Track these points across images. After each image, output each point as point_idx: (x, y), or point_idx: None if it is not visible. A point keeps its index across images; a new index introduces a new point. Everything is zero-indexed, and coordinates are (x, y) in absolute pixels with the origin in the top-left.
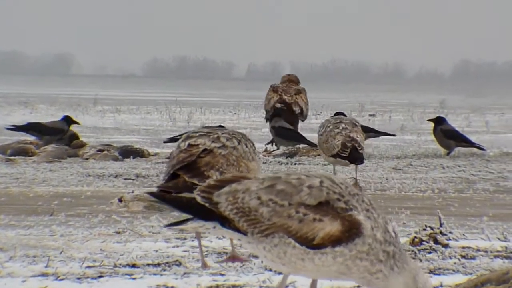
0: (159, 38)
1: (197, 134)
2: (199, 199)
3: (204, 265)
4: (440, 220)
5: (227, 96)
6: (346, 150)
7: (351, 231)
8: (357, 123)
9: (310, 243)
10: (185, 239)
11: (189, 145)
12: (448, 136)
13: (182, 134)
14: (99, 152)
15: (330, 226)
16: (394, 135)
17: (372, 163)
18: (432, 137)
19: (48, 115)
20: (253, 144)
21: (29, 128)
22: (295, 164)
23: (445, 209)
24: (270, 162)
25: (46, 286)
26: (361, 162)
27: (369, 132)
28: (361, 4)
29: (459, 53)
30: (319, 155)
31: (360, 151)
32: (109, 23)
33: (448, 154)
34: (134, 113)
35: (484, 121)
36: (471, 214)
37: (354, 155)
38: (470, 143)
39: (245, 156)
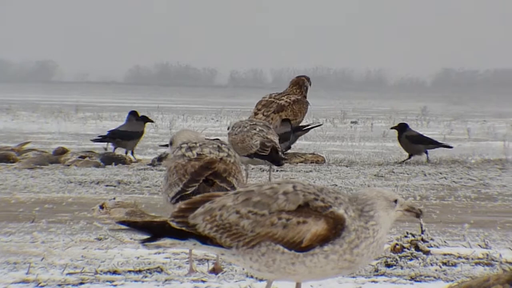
0: (141, 45)
1: (197, 144)
2: (174, 224)
3: (191, 270)
4: (421, 227)
5: (209, 103)
6: (266, 149)
7: (336, 228)
8: (271, 127)
9: (298, 246)
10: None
11: (198, 154)
12: (415, 141)
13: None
14: (81, 158)
15: (315, 226)
16: (451, 147)
17: (354, 170)
18: (398, 144)
19: (30, 122)
20: None
21: (114, 136)
22: (277, 171)
23: (427, 216)
24: (252, 169)
25: None
26: (280, 164)
27: (429, 143)
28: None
29: (440, 61)
30: (301, 162)
31: (280, 153)
32: (91, 30)
33: (427, 157)
34: (116, 120)
35: (465, 128)
36: (452, 221)
37: (274, 156)
38: (437, 144)
39: (239, 162)
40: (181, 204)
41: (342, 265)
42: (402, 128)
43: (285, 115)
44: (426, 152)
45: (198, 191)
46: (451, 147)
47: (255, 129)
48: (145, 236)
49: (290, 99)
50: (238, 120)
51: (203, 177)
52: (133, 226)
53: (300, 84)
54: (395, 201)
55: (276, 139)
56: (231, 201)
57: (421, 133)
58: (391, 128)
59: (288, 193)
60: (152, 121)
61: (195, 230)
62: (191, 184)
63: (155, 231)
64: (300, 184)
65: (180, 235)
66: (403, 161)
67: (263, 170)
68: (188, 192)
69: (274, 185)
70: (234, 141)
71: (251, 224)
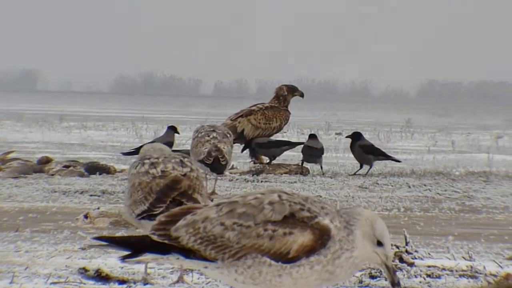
0: (126, 55)
1: (160, 160)
2: (155, 237)
3: (181, 279)
4: (405, 239)
5: (194, 113)
6: (210, 158)
7: (323, 238)
8: (229, 135)
9: (285, 258)
10: None
11: (162, 171)
12: (367, 151)
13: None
14: (65, 168)
15: (302, 237)
16: (399, 161)
17: (338, 181)
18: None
19: (14, 131)
20: None
21: None
22: (262, 181)
23: (411, 228)
24: (237, 179)
25: None
26: (221, 173)
27: (379, 155)
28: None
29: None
30: (286, 173)
31: (223, 163)
32: (76, 39)
33: (368, 169)
34: (101, 130)
35: (450, 140)
36: (436, 233)
37: (215, 165)
38: (386, 156)
39: (201, 175)
40: (160, 217)
41: (323, 276)
42: (356, 137)
43: (254, 118)
44: (372, 165)
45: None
46: (399, 161)
47: (208, 136)
48: (125, 252)
49: (263, 105)
50: (201, 125)
51: (170, 197)
52: (112, 241)
53: (278, 94)
54: (379, 243)
55: (225, 148)
56: (215, 213)
57: (372, 143)
58: (346, 136)
59: (274, 203)
60: (177, 132)
61: (178, 243)
62: (158, 204)
63: (135, 246)
64: (285, 194)
65: (162, 249)
66: (355, 173)
67: (248, 181)
68: (155, 212)
69: (259, 195)
70: (191, 145)
71: (237, 236)
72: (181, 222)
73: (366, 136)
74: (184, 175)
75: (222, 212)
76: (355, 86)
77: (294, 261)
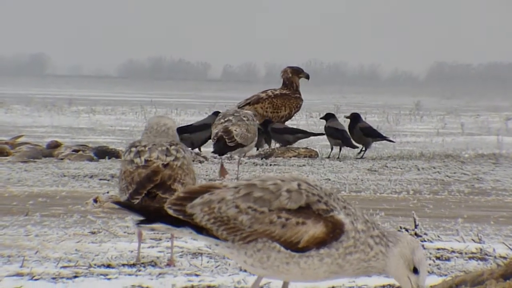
0: (135, 39)
1: (146, 148)
2: (171, 212)
3: (171, 262)
4: (415, 222)
5: (202, 97)
6: (215, 138)
7: (335, 232)
8: (245, 118)
9: (295, 247)
10: (160, 239)
11: (146, 160)
12: (366, 134)
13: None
14: (74, 152)
15: (314, 229)
16: (393, 141)
17: (347, 164)
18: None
19: (24, 116)
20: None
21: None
22: (270, 165)
23: (420, 210)
24: (245, 163)
25: (21, 286)
26: (220, 153)
27: (376, 137)
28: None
29: (434, 55)
30: (295, 156)
31: (230, 144)
32: (84, 24)
33: (364, 152)
34: (109, 114)
35: (459, 123)
36: (446, 216)
37: (217, 145)
38: (382, 137)
39: (191, 162)
40: (179, 192)
41: (333, 269)
42: (355, 119)
43: (261, 107)
44: (369, 146)
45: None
46: (393, 141)
47: (224, 118)
48: (141, 218)
49: (273, 93)
50: (226, 110)
51: (145, 189)
52: (129, 207)
53: (285, 79)
54: (415, 270)
55: (237, 130)
56: (231, 195)
57: (370, 125)
58: (345, 117)
59: (292, 191)
60: None
61: (191, 219)
62: (135, 196)
63: (151, 215)
64: (305, 184)
65: (176, 222)
66: (360, 154)
67: (256, 164)
68: (134, 203)
69: (278, 181)
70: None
71: (250, 220)
72: (198, 200)
73: (375, 118)
74: (167, 164)
75: (238, 194)
76: (364, 70)
77: (303, 251)
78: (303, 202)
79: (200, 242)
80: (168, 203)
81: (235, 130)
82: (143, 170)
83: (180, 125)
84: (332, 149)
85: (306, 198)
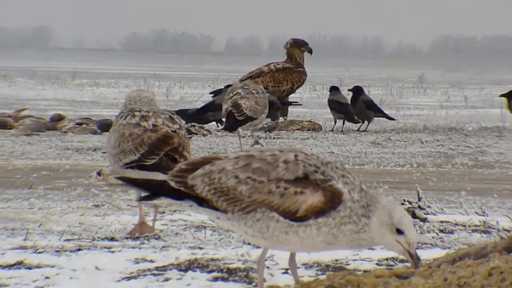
0: (138, 12)
1: (150, 114)
2: (173, 184)
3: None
4: (418, 195)
5: (206, 70)
6: (225, 114)
7: (333, 201)
8: (255, 91)
9: (293, 216)
10: (163, 213)
11: (154, 125)
12: (368, 107)
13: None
14: (77, 125)
15: (312, 198)
16: (394, 119)
17: (351, 137)
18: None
19: (27, 89)
20: None
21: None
22: (274, 138)
23: (424, 183)
24: (249, 136)
25: (24, 259)
26: (231, 129)
27: (378, 112)
28: None
29: (437, 28)
30: (298, 129)
31: (239, 118)
32: None
33: (367, 125)
34: (113, 87)
35: (463, 96)
36: (449, 189)
37: (227, 121)
38: (383, 114)
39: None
40: (181, 164)
41: (328, 239)
42: (358, 92)
43: (262, 81)
44: (371, 120)
45: (160, 165)
46: (394, 119)
47: (233, 93)
48: (143, 194)
49: (275, 67)
50: (234, 84)
51: (163, 151)
52: (132, 182)
53: (288, 53)
54: (399, 231)
55: (246, 104)
56: (231, 165)
57: (372, 99)
58: (348, 90)
59: (289, 162)
60: None
61: (193, 191)
62: (150, 156)
63: (153, 189)
64: (302, 154)
65: (178, 196)
66: (363, 127)
67: (260, 138)
68: (147, 163)
69: (276, 152)
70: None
71: (249, 190)
72: (199, 171)
73: (378, 92)
74: (174, 131)
75: (238, 165)
76: (368, 42)
77: (302, 220)
78: (300, 173)
79: (204, 216)
80: (170, 175)
81: (244, 104)
82: (153, 134)
83: (202, 104)
84: (335, 122)
85: (303, 169)
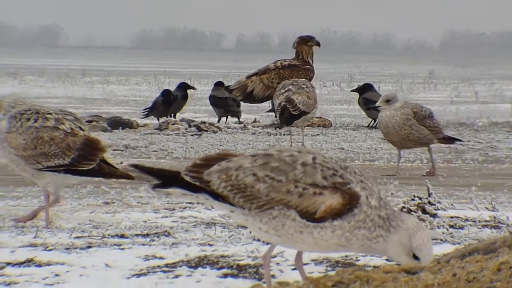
0: (148, 9)
1: (59, 116)
2: (188, 178)
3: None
4: (428, 190)
5: (216, 67)
6: (279, 109)
7: (351, 204)
8: (305, 86)
9: (311, 217)
10: (173, 209)
11: (71, 128)
12: (367, 105)
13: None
14: (87, 123)
15: (331, 199)
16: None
17: (361, 133)
18: (356, 105)
19: (37, 87)
20: None
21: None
22: (284, 134)
23: (434, 179)
24: (259, 133)
25: (34, 257)
26: (287, 123)
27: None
28: None
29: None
30: (308, 125)
31: (294, 113)
32: None
33: (375, 124)
34: (123, 84)
35: (473, 91)
36: (459, 184)
37: (282, 116)
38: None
39: None
40: (196, 159)
41: (342, 242)
42: (362, 90)
43: (267, 78)
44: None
45: (98, 170)
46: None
47: (284, 88)
48: (157, 182)
49: (281, 64)
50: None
51: (98, 158)
52: (146, 170)
53: (297, 51)
54: (415, 257)
55: (299, 99)
56: (249, 163)
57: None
58: (351, 90)
59: (307, 165)
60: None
61: (208, 186)
62: (84, 161)
63: (167, 179)
64: (320, 157)
65: (192, 188)
66: (371, 126)
67: (270, 134)
68: (81, 168)
69: (295, 153)
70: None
71: (267, 188)
72: (215, 167)
73: (389, 88)
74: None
75: (256, 163)
76: (378, 39)
77: (318, 221)
78: (318, 177)
79: (214, 212)
80: (185, 170)
81: (297, 99)
82: (75, 138)
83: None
84: (219, 119)
85: (321, 173)
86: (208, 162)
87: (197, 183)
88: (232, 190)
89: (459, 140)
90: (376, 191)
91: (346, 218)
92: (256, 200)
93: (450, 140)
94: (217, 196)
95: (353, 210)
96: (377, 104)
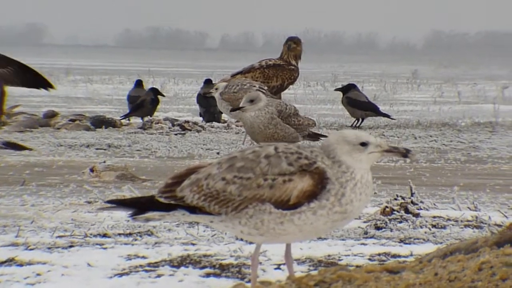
0: (132, 9)
1: None
2: (162, 200)
3: None
4: (411, 190)
5: (200, 67)
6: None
7: (322, 182)
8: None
9: (286, 205)
10: None
11: None
12: (351, 104)
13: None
14: (71, 122)
15: (301, 183)
16: (394, 119)
17: None
18: (340, 105)
19: None
20: None
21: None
22: None
23: (417, 179)
24: (243, 132)
25: (16, 256)
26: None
27: (369, 110)
28: None
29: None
30: None
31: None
32: None
33: (359, 123)
34: (107, 83)
35: (456, 91)
36: (442, 184)
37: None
38: (376, 112)
39: None
40: (167, 179)
41: (334, 218)
42: (345, 90)
43: (251, 76)
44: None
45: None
46: (394, 119)
47: (255, 86)
48: (133, 210)
49: (266, 63)
50: (228, 81)
51: None
52: (122, 204)
53: (283, 50)
54: (363, 144)
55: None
56: (216, 169)
57: (363, 99)
58: (335, 89)
59: (270, 157)
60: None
61: (183, 202)
62: None
63: (143, 206)
64: (282, 145)
65: (168, 207)
66: (355, 125)
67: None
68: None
69: (256, 149)
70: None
71: (238, 189)
72: (186, 182)
73: (372, 87)
74: None
75: (222, 168)
76: (362, 38)
77: (295, 207)
78: (284, 165)
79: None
80: (158, 192)
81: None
82: None
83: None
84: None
85: (286, 160)
86: (179, 179)
87: (172, 202)
88: (206, 199)
89: (324, 136)
90: (320, 150)
91: (322, 197)
92: (230, 202)
93: (316, 136)
94: (193, 209)
95: (326, 187)
96: (240, 105)
